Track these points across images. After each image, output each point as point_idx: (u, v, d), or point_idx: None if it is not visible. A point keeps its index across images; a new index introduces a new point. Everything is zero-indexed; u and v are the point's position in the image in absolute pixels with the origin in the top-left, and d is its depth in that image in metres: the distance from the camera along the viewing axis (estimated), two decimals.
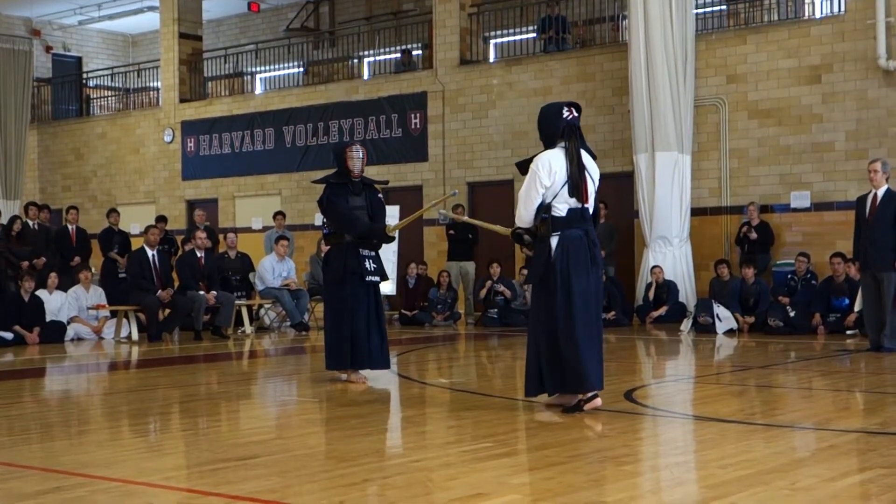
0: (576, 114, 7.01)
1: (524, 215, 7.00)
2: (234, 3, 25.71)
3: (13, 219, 16.76)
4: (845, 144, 15.75)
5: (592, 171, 7.02)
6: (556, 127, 6.97)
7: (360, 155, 8.89)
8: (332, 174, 9.05)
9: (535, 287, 7.12)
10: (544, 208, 6.91)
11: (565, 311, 6.82)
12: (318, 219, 20.56)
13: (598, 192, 7.12)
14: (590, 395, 6.88)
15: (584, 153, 6.99)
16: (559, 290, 6.84)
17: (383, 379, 9.14)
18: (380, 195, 9.19)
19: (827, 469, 5.11)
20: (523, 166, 7.07)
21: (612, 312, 16.00)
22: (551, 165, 6.85)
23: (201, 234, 15.49)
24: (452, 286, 17.27)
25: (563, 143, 6.93)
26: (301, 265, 18.13)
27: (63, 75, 27.42)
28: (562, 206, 6.88)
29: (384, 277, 9.05)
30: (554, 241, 6.90)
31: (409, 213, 8.85)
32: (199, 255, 15.24)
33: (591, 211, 7.04)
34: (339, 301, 8.80)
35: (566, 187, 6.84)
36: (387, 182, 10.14)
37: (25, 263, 15.91)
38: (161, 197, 23.52)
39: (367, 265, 8.79)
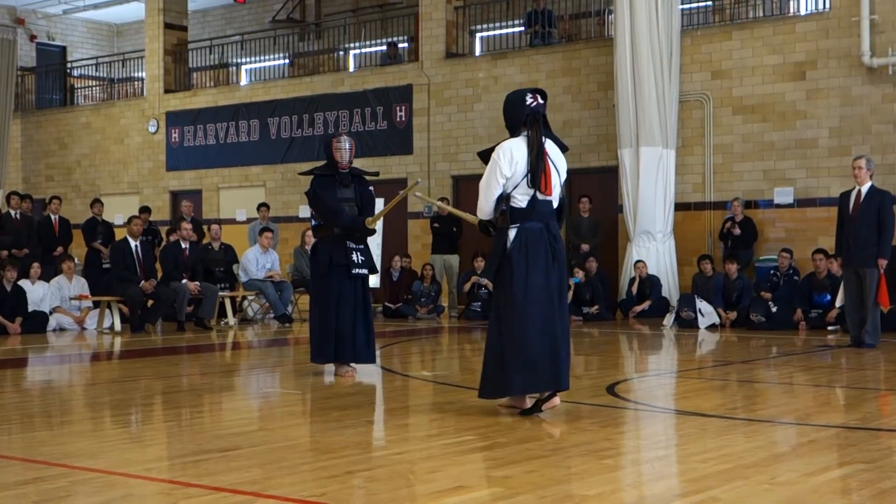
0: (541, 101, 6.65)
1: (484, 206, 6.68)
2: None
3: None
4: (829, 141, 15.82)
5: (558, 162, 6.68)
6: (519, 115, 6.63)
7: (348, 146, 8.85)
8: (321, 166, 9.03)
9: (493, 282, 6.80)
10: (504, 199, 6.59)
11: (520, 307, 6.48)
12: (304, 211, 20.54)
13: (563, 185, 6.79)
14: (547, 394, 6.56)
15: (550, 143, 6.66)
16: (514, 284, 6.51)
17: (366, 372, 9.14)
18: (370, 188, 9.14)
19: (807, 464, 5.14)
20: (485, 155, 6.75)
21: (596, 307, 16.05)
22: (513, 154, 6.51)
23: (187, 226, 15.44)
24: (436, 279, 17.28)
25: (525, 132, 6.61)
26: (285, 257, 18.10)
27: (47, 64, 27.30)
28: (522, 197, 6.56)
29: (373, 270, 8.98)
30: (512, 233, 6.57)
31: (394, 207, 8.82)
32: (183, 246, 15.20)
33: (555, 204, 6.71)
34: (325, 294, 8.76)
35: (527, 178, 6.53)
36: (377, 174, 10.00)
37: (4, 253, 15.84)
38: (145, 188, 23.45)
39: (355, 258, 8.72)
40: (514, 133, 6.70)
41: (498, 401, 6.81)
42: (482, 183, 6.67)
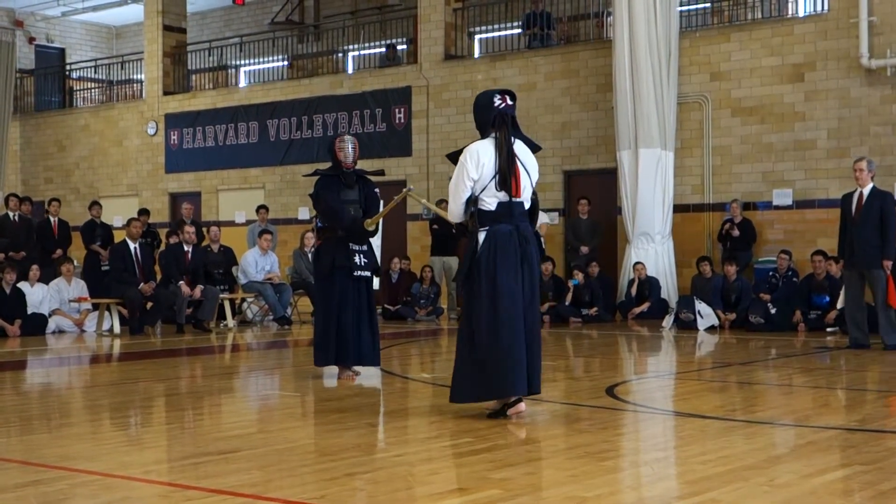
0: (509, 102, 6.60)
1: (454, 210, 6.62)
2: None
3: None
4: (827, 142, 15.82)
5: (528, 163, 6.61)
6: (487, 116, 6.58)
7: (351, 145, 8.82)
8: (325, 168, 8.99)
9: (464, 285, 6.70)
10: (472, 202, 6.55)
11: (489, 311, 6.45)
12: (302, 213, 20.55)
13: (535, 186, 6.71)
14: (513, 399, 6.49)
15: (520, 144, 6.62)
16: (483, 288, 6.47)
17: (365, 374, 9.13)
18: (375, 189, 9.09)
19: (806, 465, 5.14)
20: (454, 157, 6.70)
21: (595, 308, 16.04)
22: (479, 156, 6.47)
23: (189, 229, 15.44)
24: (435, 281, 17.27)
25: (493, 134, 6.56)
26: (284, 259, 18.10)
27: (46, 67, 27.30)
28: (490, 199, 6.51)
29: (376, 272, 8.96)
30: (481, 236, 6.52)
31: (392, 209, 8.82)
32: (186, 248, 15.18)
33: (526, 206, 6.64)
34: (327, 296, 8.72)
35: (495, 180, 6.47)
36: (382, 173, 9.87)
37: (1, 255, 15.81)
38: (144, 190, 23.44)
39: (357, 259, 8.67)
40: (483, 135, 6.67)
41: (485, 404, 6.73)
42: (450, 186, 6.65)
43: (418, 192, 18.73)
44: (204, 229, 17.39)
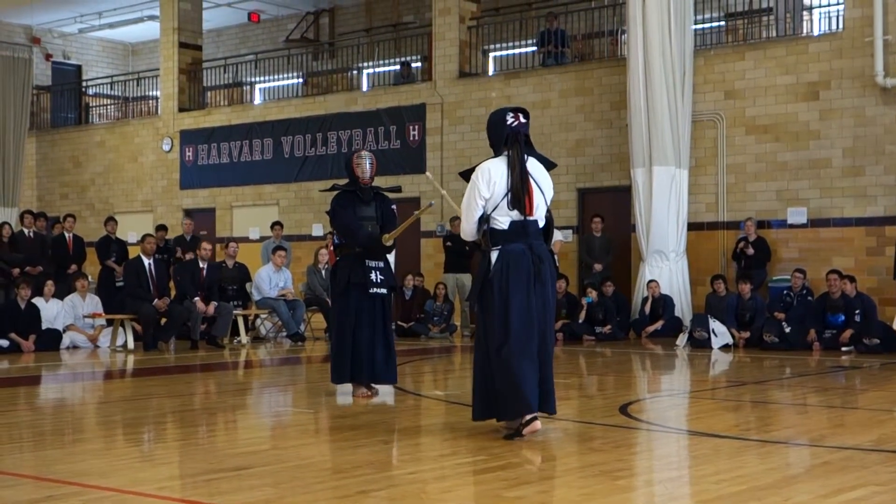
0: (522, 120, 6.56)
1: (466, 228, 6.59)
2: (234, 13, 25.78)
3: (1, 225, 16.73)
4: (842, 161, 15.78)
5: (542, 181, 6.57)
6: (500, 134, 6.56)
7: (368, 161, 8.83)
8: (343, 184, 8.99)
9: (476, 304, 6.66)
10: (485, 220, 6.53)
11: (502, 331, 6.40)
12: (316, 229, 20.58)
13: (549, 204, 6.65)
14: (528, 418, 6.41)
15: (534, 162, 6.58)
16: (496, 307, 6.43)
17: (379, 391, 9.12)
18: (392, 206, 9.09)
19: (821, 486, 5.11)
20: (466, 175, 6.68)
21: (609, 326, 16.01)
22: (491, 175, 6.44)
23: (207, 246, 15.50)
24: (449, 298, 17.26)
25: (506, 152, 6.53)
26: (298, 276, 18.12)
27: (62, 83, 27.45)
28: (503, 218, 6.47)
29: (393, 289, 8.95)
30: (494, 255, 6.47)
31: (411, 224, 8.82)
32: (201, 266, 15.22)
33: (540, 224, 6.59)
34: (343, 313, 8.70)
35: (507, 199, 6.44)
36: (399, 189, 9.85)
37: (16, 270, 15.88)
38: (159, 206, 23.52)
39: (374, 277, 8.65)
40: (496, 153, 6.64)
41: (497, 423, 6.72)
42: (463, 204, 6.61)
43: (432, 210, 18.82)
44: (220, 245, 17.41)
